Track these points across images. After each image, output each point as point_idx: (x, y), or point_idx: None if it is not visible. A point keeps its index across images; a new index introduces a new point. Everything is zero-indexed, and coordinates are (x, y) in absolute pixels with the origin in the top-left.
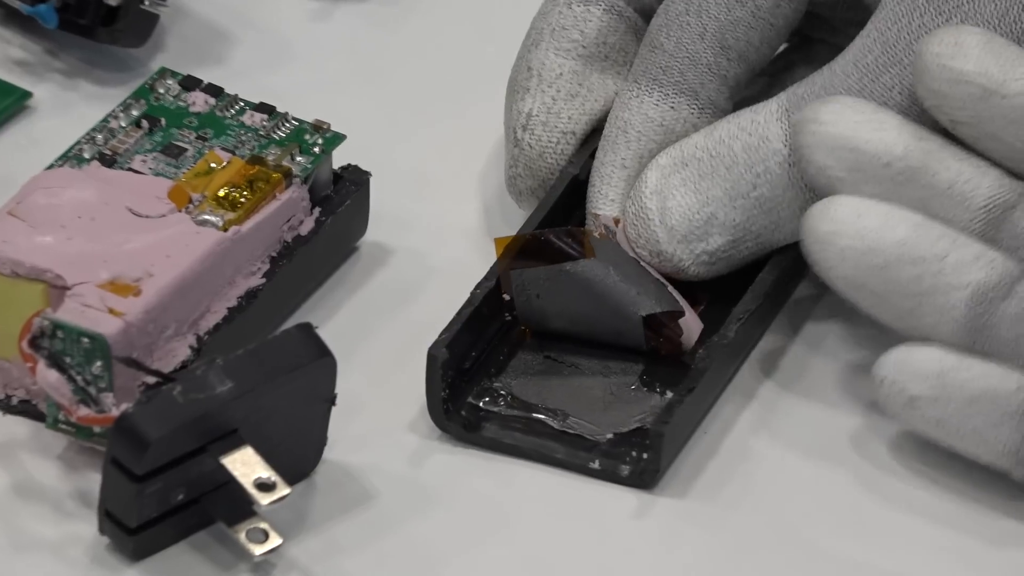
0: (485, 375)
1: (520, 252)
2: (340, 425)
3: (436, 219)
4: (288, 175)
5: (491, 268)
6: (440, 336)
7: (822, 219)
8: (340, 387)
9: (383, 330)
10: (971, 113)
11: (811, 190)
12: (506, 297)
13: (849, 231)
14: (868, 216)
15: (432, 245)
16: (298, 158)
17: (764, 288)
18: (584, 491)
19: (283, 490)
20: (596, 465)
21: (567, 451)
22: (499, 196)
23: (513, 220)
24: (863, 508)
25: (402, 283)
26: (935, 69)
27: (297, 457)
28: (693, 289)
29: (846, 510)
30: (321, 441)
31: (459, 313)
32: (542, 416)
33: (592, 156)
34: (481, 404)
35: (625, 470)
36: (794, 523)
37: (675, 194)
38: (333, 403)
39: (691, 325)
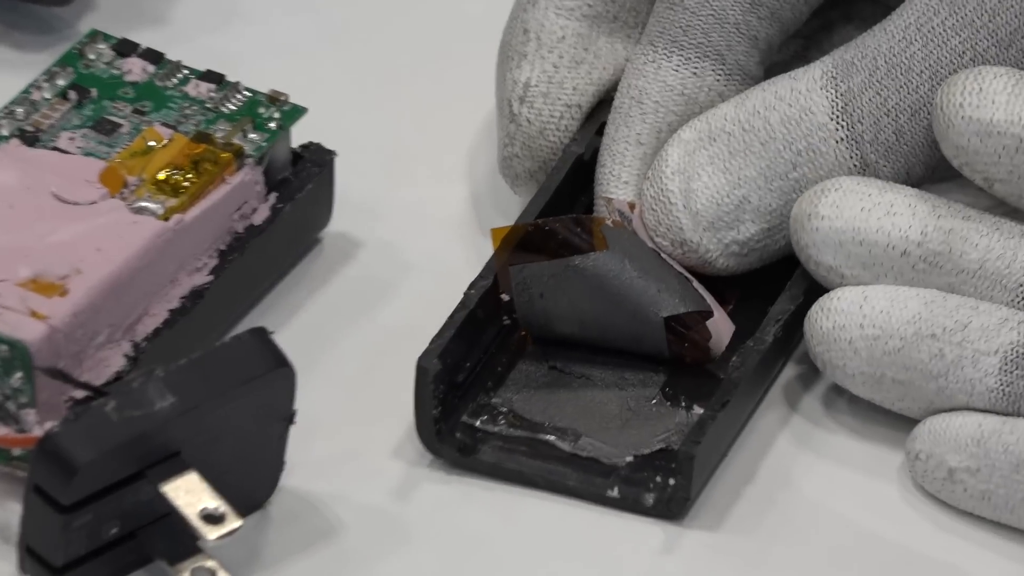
0: (481, 390)
1: (520, 244)
2: (300, 447)
3: (413, 206)
4: (239, 155)
5: (487, 264)
6: (430, 345)
7: (824, 316)
8: (300, 403)
9: (351, 336)
10: (1007, 168)
11: (865, 175)
12: (504, 297)
13: (856, 321)
14: (873, 300)
15: (408, 237)
16: (251, 135)
17: (805, 284)
18: (601, 524)
19: (233, 522)
20: (615, 493)
21: (580, 477)
22: (489, 179)
23: (507, 207)
24: (921, 541)
25: (373, 281)
26: (960, 123)
27: (250, 484)
28: (720, 286)
29: (902, 543)
30: (278, 466)
31: (451, 317)
32: (550, 437)
33: (600, 132)
34: (478, 424)
35: (649, 499)
36: (843, 560)
37: (701, 174)
38: (292, 421)
39: (721, 327)
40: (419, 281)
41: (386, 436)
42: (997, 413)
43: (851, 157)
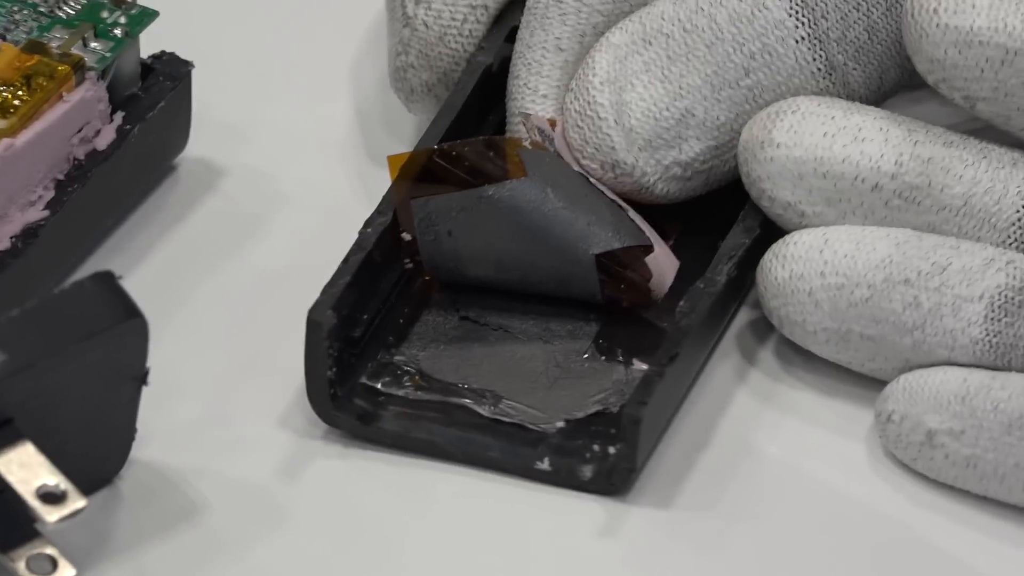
0: (382, 346)
1: (423, 174)
2: (156, 412)
3: (285, 127)
4: (79, 67)
5: (383, 198)
6: (322, 294)
7: (778, 264)
8: (154, 360)
9: (215, 280)
10: (992, 84)
11: (832, 80)
12: (405, 237)
13: (815, 268)
14: (836, 243)
15: (280, 163)
16: (92, 44)
17: (762, 214)
18: (530, 503)
19: (77, 502)
20: (545, 465)
21: (503, 447)
22: (378, 94)
23: (399, 128)
24: (899, 516)
25: (240, 216)
26: (935, 32)
27: (96, 457)
28: (659, 217)
29: (878, 519)
30: (129, 434)
31: (345, 261)
32: (465, 400)
33: (511, 38)
34: (379, 386)
35: (587, 471)
36: (813, 540)
37: (635, 84)
38: (145, 382)
39: (663, 264)
40: (294, 216)
41: (261, 399)
42: (983, 368)
43: (814, 59)
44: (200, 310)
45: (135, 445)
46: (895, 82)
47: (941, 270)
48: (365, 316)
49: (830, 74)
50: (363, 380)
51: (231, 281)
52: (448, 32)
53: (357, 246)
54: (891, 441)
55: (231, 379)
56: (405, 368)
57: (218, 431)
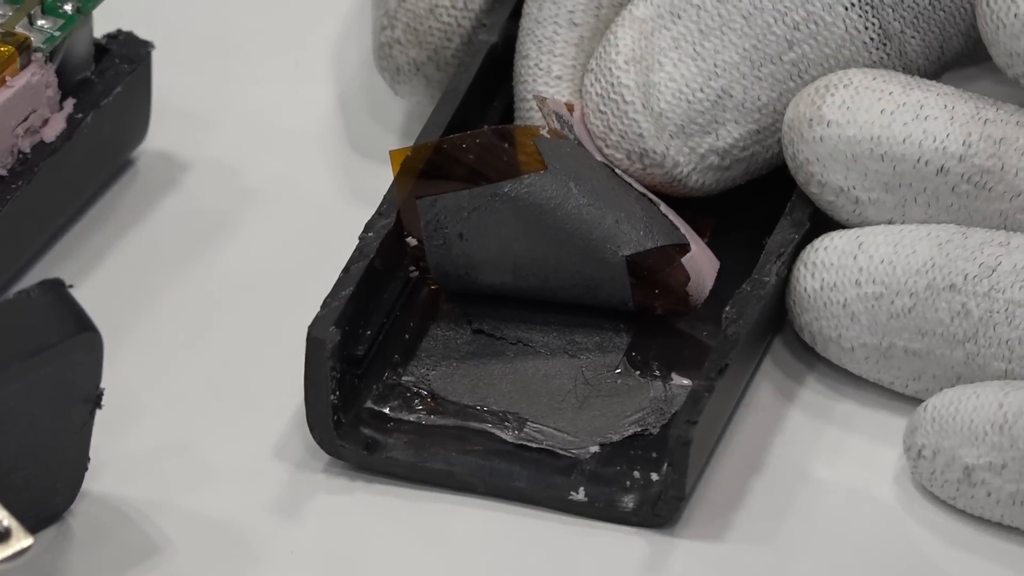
0: (387, 365)
1: (428, 170)
2: (110, 439)
3: (256, 115)
4: (24, 48)
5: (385, 197)
6: (322, 309)
7: (807, 275)
8: (110, 379)
9: (176, 288)
10: None
11: (887, 51)
12: (410, 241)
13: (850, 276)
14: (871, 246)
15: (250, 156)
16: (40, 21)
17: (811, 205)
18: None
19: (22, 540)
20: (580, 496)
21: (531, 477)
22: (362, 76)
23: (387, 115)
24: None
25: (204, 215)
26: (1013, 23)
27: (43, 489)
28: (688, 212)
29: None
30: (80, 464)
31: (346, 270)
32: (485, 425)
33: (516, 14)
34: (387, 410)
35: (628, 501)
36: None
37: (664, 62)
38: (98, 404)
39: (702, 266)
40: (266, 214)
41: (231, 424)
42: None
43: (866, 28)
44: (161, 322)
45: (88, 476)
46: (957, 52)
47: (990, 272)
48: (368, 332)
49: (885, 44)
50: (369, 404)
51: (196, 289)
52: (440, 4)
53: (358, 253)
54: (925, 478)
55: (196, 402)
56: (415, 390)
57: (181, 461)
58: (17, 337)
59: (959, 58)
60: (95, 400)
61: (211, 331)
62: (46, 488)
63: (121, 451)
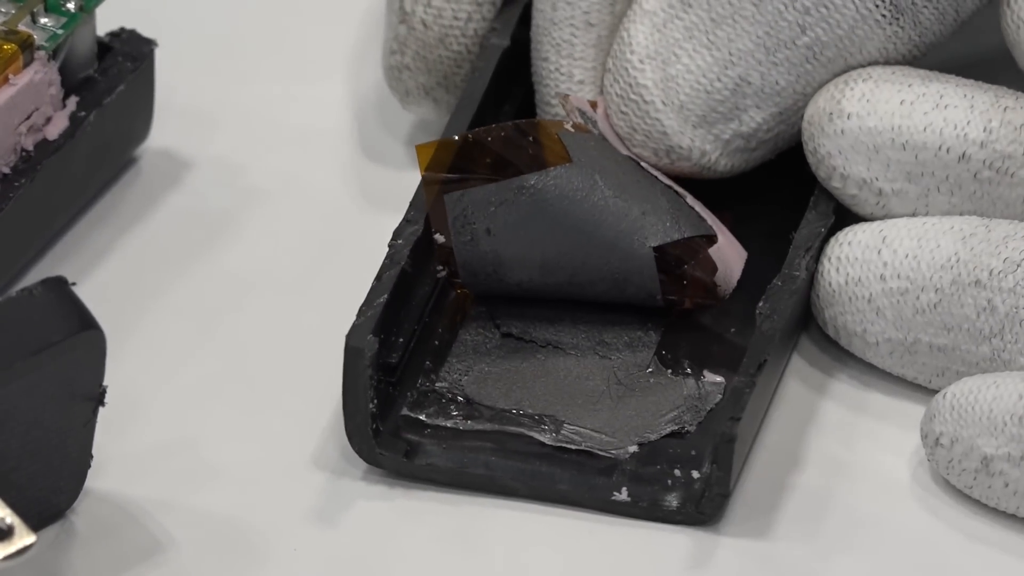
0: (419, 372)
1: (454, 164)
2: (113, 437)
3: (261, 113)
4: (27, 46)
5: (412, 201)
6: (358, 317)
7: (831, 269)
8: (112, 377)
9: (180, 287)
10: None
11: (900, 24)
12: (438, 239)
13: (874, 271)
14: (895, 240)
15: (254, 154)
16: (43, 19)
17: (833, 196)
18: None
19: (25, 538)
20: (623, 496)
21: (572, 479)
22: (370, 74)
23: (396, 113)
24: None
25: (208, 214)
26: None
27: (46, 487)
28: (708, 198)
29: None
30: (83, 462)
31: (379, 277)
32: (522, 428)
33: (525, 20)
34: (424, 417)
35: (672, 500)
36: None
37: (679, 54)
38: (101, 402)
39: (729, 257)
40: (271, 213)
41: (236, 421)
42: None
43: (877, 5)
44: (164, 321)
45: (90, 474)
46: (971, 12)
47: (1015, 267)
48: (400, 339)
49: (898, 18)
50: (405, 412)
51: (198, 287)
52: (450, 33)
53: (390, 260)
54: (942, 466)
55: (199, 400)
56: (450, 395)
57: (183, 459)
58: (20, 335)
59: (974, 13)
60: (98, 398)
61: (213, 329)
62: (49, 486)
63: (124, 449)
